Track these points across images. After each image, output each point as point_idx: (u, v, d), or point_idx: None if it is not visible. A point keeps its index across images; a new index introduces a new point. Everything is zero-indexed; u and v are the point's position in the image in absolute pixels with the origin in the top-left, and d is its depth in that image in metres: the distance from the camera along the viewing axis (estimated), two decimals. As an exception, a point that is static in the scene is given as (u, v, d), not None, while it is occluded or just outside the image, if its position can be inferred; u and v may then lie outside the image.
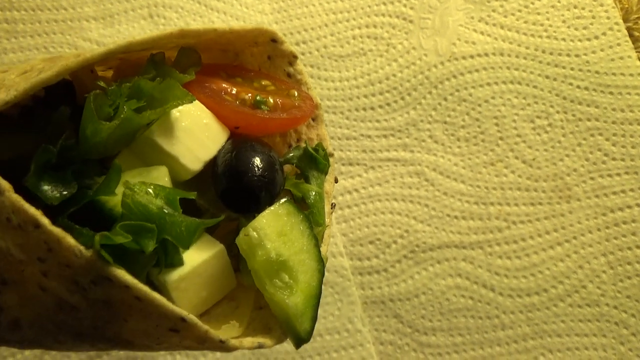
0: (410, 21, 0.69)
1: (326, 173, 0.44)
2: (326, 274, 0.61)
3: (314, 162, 0.44)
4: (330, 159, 0.45)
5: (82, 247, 0.31)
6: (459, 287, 0.61)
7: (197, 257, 0.37)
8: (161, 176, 0.37)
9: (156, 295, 0.32)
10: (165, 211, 0.35)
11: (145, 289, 0.32)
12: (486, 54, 0.68)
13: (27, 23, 0.68)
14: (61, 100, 0.38)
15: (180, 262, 0.36)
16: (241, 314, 0.40)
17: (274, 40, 0.44)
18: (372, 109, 0.67)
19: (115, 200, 0.34)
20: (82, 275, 0.32)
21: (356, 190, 0.64)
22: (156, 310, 0.32)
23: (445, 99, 0.67)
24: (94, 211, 0.35)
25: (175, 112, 0.38)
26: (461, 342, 0.60)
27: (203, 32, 0.39)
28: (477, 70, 0.67)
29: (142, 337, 0.35)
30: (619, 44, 0.68)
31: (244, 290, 0.40)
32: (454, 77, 0.67)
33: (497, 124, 0.66)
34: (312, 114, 0.45)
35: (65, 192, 0.34)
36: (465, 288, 0.61)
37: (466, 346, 0.60)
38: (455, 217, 0.63)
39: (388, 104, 0.67)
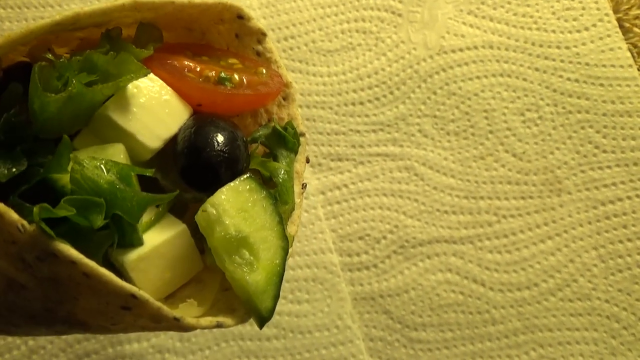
0: (399, 15, 0.69)
1: (296, 152, 0.43)
2: (315, 270, 0.61)
3: (283, 140, 0.43)
4: (302, 139, 0.44)
5: (24, 222, 0.31)
6: (449, 282, 0.61)
7: (158, 237, 0.36)
8: (117, 153, 0.36)
9: (104, 271, 0.31)
10: (117, 186, 0.34)
11: (92, 264, 0.31)
12: (475, 47, 0.67)
13: (13, 21, 0.67)
14: (19, 81, 0.36)
15: (139, 242, 0.35)
16: (206, 296, 0.39)
17: (240, 16, 0.42)
18: (361, 103, 0.66)
19: (66, 178, 0.34)
20: (28, 251, 0.31)
21: (345, 185, 0.64)
22: (105, 286, 0.31)
23: (435, 93, 0.66)
24: (47, 190, 0.34)
25: (133, 88, 0.37)
26: (451, 337, 0.59)
27: (159, 4, 0.38)
28: (466, 64, 0.67)
29: (96, 317, 0.35)
30: (609, 36, 0.67)
31: (210, 272, 0.39)
32: (443, 70, 0.67)
33: (486, 118, 0.66)
34: (280, 92, 0.44)
35: (14, 169, 0.34)
36: (456, 283, 0.61)
37: (456, 341, 0.59)
38: (445, 211, 0.63)
39: (377, 99, 0.66)
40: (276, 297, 0.37)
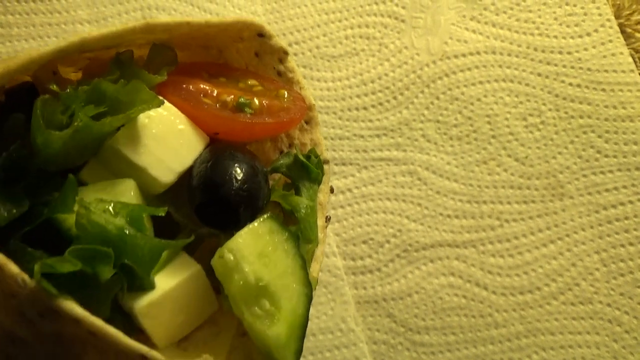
0: (402, 20, 0.69)
1: (319, 183, 0.40)
2: (319, 274, 0.61)
3: (306, 170, 0.39)
4: (325, 167, 0.40)
5: (25, 276, 0.28)
6: (452, 286, 0.61)
7: (171, 280, 0.33)
8: (127, 190, 0.33)
9: (111, 330, 0.28)
10: (126, 232, 0.31)
11: (98, 322, 0.28)
12: (478, 53, 0.68)
13: (21, 27, 0.68)
14: (22, 104, 0.34)
15: (150, 286, 0.32)
16: (222, 342, 0.36)
17: (261, 34, 0.39)
18: (365, 108, 0.67)
19: (73, 218, 0.31)
20: (29, 306, 0.29)
21: (349, 190, 0.64)
22: (113, 346, 0.28)
23: (438, 98, 0.67)
24: (52, 231, 0.31)
25: (144, 118, 0.34)
26: (454, 340, 0.60)
27: (174, 25, 0.35)
28: (469, 69, 0.67)
29: None
30: (611, 41, 0.67)
31: (227, 314, 0.36)
32: (446, 76, 0.67)
33: (489, 123, 0.66)
34: (302, 117, 0.40)
35: (14, 211, 0.31)
36: (459, 287, 0.61)
37: (459, 345, 0.60)
38: (448, 215, 0.63)
39: (380, 104, 0.67)
40: (298, 352, 0.34)
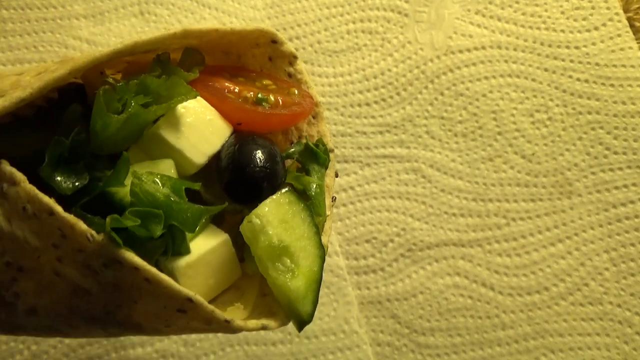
0: (406, 15, 0.68)
1: (327, 167, 0.46)
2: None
3: (315, 156, 0.45)
4: (331, 155, 0.46)
5: (93, 232, 0.33)
6: (457, 286, 0.60)
7: (204, 245, 0.38)
8: (167, 168, 0.39)
9: (164, 277, 0.33)
10: (172, 199, 0.36)
11: (153, 270, 0.33)
12: (483, 47, 0.66)
13: (16, 22, 0.67)
14: (73, 101, 0.40)
15: (187, 250, 0.38)
16: (246, 301, 0.42)
17: (274, 41, 0.45)
18: (368, 104, 0.65)
19: (124, 191, 0.36)
20: (94, 258, 0.34)
21: (352, 187, 0.63)
22: (164, 291, 0.33)
23: (442, 94, 0.65)
24: (105, 202, 0.36)
25: (181, 109, 0.40)
26: (460, 342, 0.58)
27: (205, 32, 0.41)
28: (474, 64, 0.66)
29: (152, 320, 0.37)
30: (619, 35, 0.66)
31: (249, 279, 0.42)
32: (451, 71, 0.66)
33: (495, 119, 0.65)
34: (311, 111, 0.46)
35: (77, 183, 0.36)
36: (464, 287, 0.60)
37: (465, 347, 0.58)
38: (453, 214, 0.62)
39: (383, 100, 0.66)
40: (315, 302, 0.39)
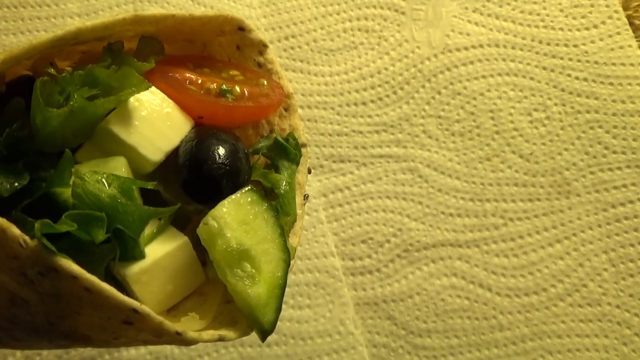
0: (402, 13, 0.67)
1: (298, 163, 0.43)
2: (317, 274, 0.59)
3: (284, 151, 0.43)
4: (303, 150, 0.44)
5: (27, 237, 0.31)
6: (454, 287, 0.59)
7: (160, 249, 0.36)
8: (118, 166, 0.36)
9: (105, 286, 0.31)
10: (119, 200, 0.34)
11: (93, 279, 0.31)
12: (481, 46, 0.66)
13: (9, 20, 0.66)
14: (22, 95, 0.37)
15: (141, 255, 0.35)
16: (208, 308, 0.39)
17: (241, 28, 0.43)
18: (364, 104, 0.65)
19: (69, 191, 0.34)
20: (29, 266, 0.32)
21: (347, 187, 0.62)
22: (107, 301, 0.31)
23: (439, 93, 0.65)
24: (50, 204, 0.34)
25: (134, 102, 0.37)
26: (457, 344, 0.58)
27: (160, 17, 0.38)
28: (471, 63, 0.65)
29: (98, 332, 0.35)
30: (618, 33, 0.65)
31: (212, 284, 0.39)
32: (448, 69, 0.65)
33: (492, 118, 0.64)
34: (281, 103, 0.44)
35: (16, 184, 0.34)
36: (461, 288, 0.59)
37: (462, 348, 0.58)
38: (450, 214, 0.61)
39: (380, 99, 0.65)
40: (278, 310, 0.36)
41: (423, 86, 0.65)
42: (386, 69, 0.66)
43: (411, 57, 0.66)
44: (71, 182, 0.34)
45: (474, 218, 0.61)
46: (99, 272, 0.32)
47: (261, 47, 0.44)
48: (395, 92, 0.65)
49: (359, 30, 0.67)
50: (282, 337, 0.57)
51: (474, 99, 0.65)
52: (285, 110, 0.45)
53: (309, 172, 0.45)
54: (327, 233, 0.61)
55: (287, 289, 0.58)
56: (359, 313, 0.59)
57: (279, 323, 0.57)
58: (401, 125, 0.64)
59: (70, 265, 0.31)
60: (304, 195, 0.44)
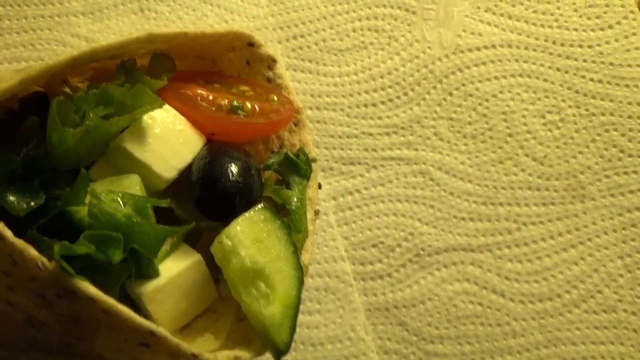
0: (413, 12, 0.66)
1: (308, 179, 0.44)
2: (327, 279, 0.58)
3: (295, 167, 0.43)
4: (313, 165, 0.44)
5: (44, 259, 0.31)
6: (467, 293, 0.58)
7: (174, 267, 0.36)
8: (133, 184, 0.36)
9: (123, 308, 0.31)
10: (134, 220, 0.34)
11: (111, 301, 0.31)
12: (493, 46, 0.65)
13: (12, 19, 0.65)
14: (35, 112, 0.38)
15: (155, 274, 0.35)
16: (221, 326, 0.39)
17: (251, 44, 0.43)
18: (374, 105, 0.64)
19: (84, 210, 0.34)
20: (47, 288, 0.32)
21: (357, 191, 0.61)
22: (124, 323, 0.31)
23: (451, 94, 0.64)
24: (65, 222, 0.34)
25: (148, 119, 0.38)
26: (470, 350, 0.57)
27: (173, 35, 0.39)
28: (484, 63, 0.64)
29: (114, 353, 0.35)
30: (634, 34, 0.64)
31: (225, 301, 0.40)
32: (460, 70, 0.64)
33: (505, 120, 0.63)
34: (291, 118, 0.44)
35: (32, 203, 0.34)
36: (474, 293, 0.58)
37: (475, 355, 0.57)
38: (462, 218, 0.60)
39: (390, 100, 0.64)
40: (293, 330, 0.37)
41: (434, 87, 0.64)
42: (397, 69, 0.65)
43: (422, 57, 0.65)
44: (87, 201, 0.34)
45: (487, 222, 0.60)
46: (114, 292, 0.32)
47: (270, 62, 0.44)
48: (406, 94, 0.64)
49: (369, 30, 0.66)
50: (292, 342, 0.57)
51: (486, 100, 0.63)
52: (295, 125, 0.45)
53: (319, 187, 0.46)
54: (337, 237, 0.60)
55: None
56: (369, 319, 0.58)
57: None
58: (412, 127, 0.63)
59: (88, 287, 0.31)
60: (315, 211, 0.44)
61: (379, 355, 0.57)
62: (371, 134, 0.63)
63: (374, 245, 0.60)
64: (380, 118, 0.63)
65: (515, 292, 0.58)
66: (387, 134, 0.63)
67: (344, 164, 0.62)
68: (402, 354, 0.57)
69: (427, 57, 0.65)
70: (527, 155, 0.62)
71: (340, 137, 0.63)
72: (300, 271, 0.38)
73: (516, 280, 0.59)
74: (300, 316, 0.57)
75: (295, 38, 0.66)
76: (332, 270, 0.59)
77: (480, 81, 0.64)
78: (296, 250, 0.38)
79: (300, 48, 0.65)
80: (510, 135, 0.63)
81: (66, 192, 0.35)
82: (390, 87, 0.64)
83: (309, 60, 0.65)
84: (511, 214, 0.60)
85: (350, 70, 0.65)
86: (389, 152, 0.62)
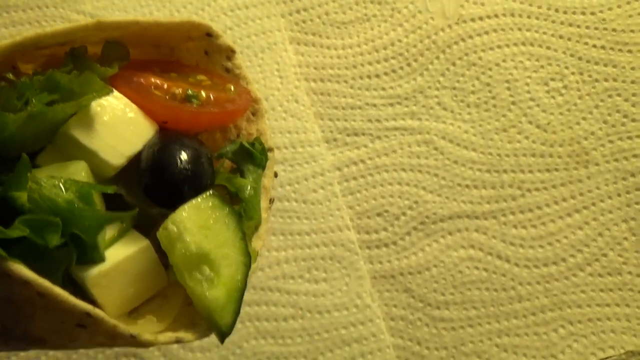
0: (416, -17, 0.66)
1: (263, 168, 0.44)
2: (332, 248, 0.59)
3: (250, 156, 0.43)
4: (270, 154, 0.44)
5: None
6: (472, 259, 0.59)
7: (121, 253, 0.36)
8: (78, 171, 0.36)
9: (58, 290, 0.31)
10: (75, 205, 0.34)
11: (45, 283, 0.31)
12: (496, 15, 0.65)
13: (20, 10, 0.65)
14: None
15: (100, 259, 0.36)
16: (169, 311, 0.40)
17: (209, 34, 0.43)
18: (377, 76, 0.64)
19: (26, 196, 0.34)
20: None
21: (362, 161, 0.62)
22: (60, 305, 0.31)
23: (454, 64, 0.64)
24: (8, 208, 0.34)
25: (96, 107, 0.37)
26: (476, 315, 0.57)
27: (124, 24, 0.38)
28: (486, 33, 0.64)
29: (53, 335, 0.35)
30: (637, -1, 0.64)
31: (175, 286, 0.39)
32: (463, 40, 0.64)
33: (508, 88, 0.63)
34: (247, 108, 0.44)
35: None
36: (479, 259, 0.59)
37: (481, 319, 0.57)
38: (467, 186, 0.61)
39: (394, 71, 0.64)
40: (236, 313, 0.37)
41: (437, 57, 0.64)
42: (400, 40, 0.65)
43: (425, 28, 0.65)
44: (27, 187, 0.34)
45: (491, 189, 0.60)
46: (56, 277, 0.32)
47: (229, 52, 0.44)
48: (409, 64, 0.64)
49: (372, 2, 0.66)
50: (299, 310, 0.57)
51: (490, 69, 0.64)
52: (253, 114, 0.45)
53: (275, 175, 0.46)
54: (342, 206, 0.60)
55: (302, 263, 0.58)
56: (375, 286, 0.58)
57: (295, 297, 0.57)
58: (415, 98, 0.63)
59: (21, 270, 0.31)
60: (270, 199, 0.44)
61: (385, 321, 0.57)
62: (375, 105, 0.63)
63: (379, 214, 0.60)
64: (383, 89, 0.64)
65: (520, 257, 0.59)
66: (391, 104, 0.63)
67: (348, 135, 0.62)
68: (408, 320, 0.57)
69: (430, 28, 0.65)
70: (530, 122, 0.62)
71: (344, 108, 0.63)
72: (248, 257, 0.38)
73: (521, 245, 0.59)
74: (306, 284, 0.58)
75: (298, 12, 0.66)
76: (338, 239, 0.59)
77: (483, 50, 0.64)
78: (244, 236, 0.38)
79: (304, 21, 0.66)
80: (513, 103, 0.63)
81: (9, 178, 0.35)
82: (393, 58, 0.64)
83: (312, 33, 0.65)
84: (515, 181, 0.61)
85: (353, 43, 0.65)
86: (392, 123, 0.63)
